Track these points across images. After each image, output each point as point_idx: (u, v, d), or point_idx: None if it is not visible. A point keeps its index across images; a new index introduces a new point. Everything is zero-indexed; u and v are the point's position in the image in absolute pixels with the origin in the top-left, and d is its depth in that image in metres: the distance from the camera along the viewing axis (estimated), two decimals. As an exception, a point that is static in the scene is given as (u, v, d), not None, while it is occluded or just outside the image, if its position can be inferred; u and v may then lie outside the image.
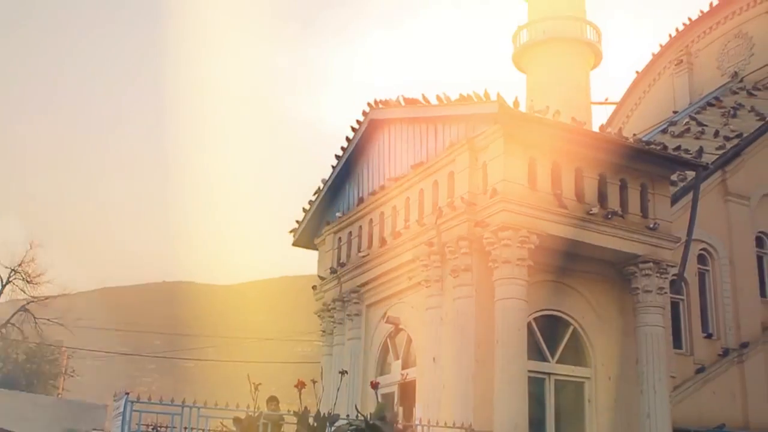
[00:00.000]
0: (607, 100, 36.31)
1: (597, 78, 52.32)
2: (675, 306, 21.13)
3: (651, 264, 17.31)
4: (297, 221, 23.41)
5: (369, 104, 20.82)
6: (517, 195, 15.99)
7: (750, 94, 27.77)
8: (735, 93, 28.03)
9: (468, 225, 16.37)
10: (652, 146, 18.42)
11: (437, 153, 18.07)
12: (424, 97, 19.01)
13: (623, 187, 17.64)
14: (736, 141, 24.08)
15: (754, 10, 29.62)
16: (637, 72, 34.31)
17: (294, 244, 23.68)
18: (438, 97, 18.43)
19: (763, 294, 23.17)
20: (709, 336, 21.71)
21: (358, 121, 21.29)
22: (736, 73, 29.54)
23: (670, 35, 32.92)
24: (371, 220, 20.27)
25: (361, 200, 21.02)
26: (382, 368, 19.35)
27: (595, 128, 30.07)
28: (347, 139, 21.70)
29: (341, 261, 21.21)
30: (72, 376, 43.99)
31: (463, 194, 16.73)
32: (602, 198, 17.26)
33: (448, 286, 16.81)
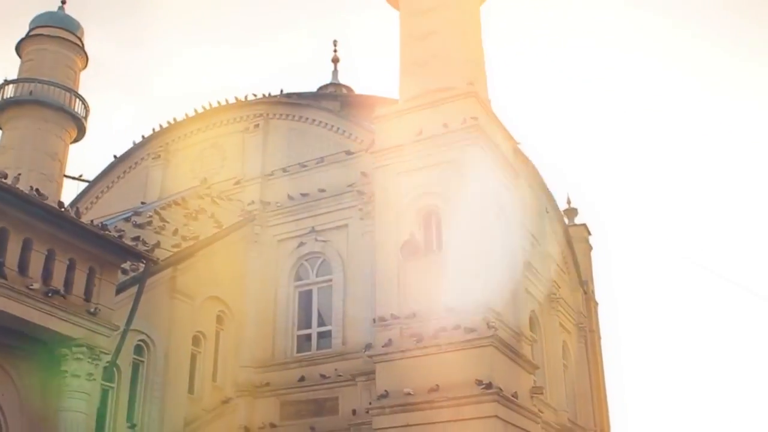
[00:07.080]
0: (81, 176, 35.85)
1: (77, 152, 51.67)
2: (105, 393, 21.02)
3: (84, 348, 17.19)
4: None
5: None
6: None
7: (214, 202, 29.52)
8: (201, 198, 29.54)
9: None
10: (107, 232, 18.50)
11: None
12: None
13: (71, 267, 17.44)
14: (191, 242, 25.34)
15: (230, 128, 31.92)
16: (115, 156, 34.57)
17: None
18: None
19: (191, 390, 24.22)
20: (132, 426, 21.88)
21: None
22: (206, 179, 31.18)
23: (154, 129, 33.88)
24: None
25: None
26: None
27: (66, 201, 29.63)
28: None
29: None
30: None
31: None
32: (47, 274, 16.84)
33: None
